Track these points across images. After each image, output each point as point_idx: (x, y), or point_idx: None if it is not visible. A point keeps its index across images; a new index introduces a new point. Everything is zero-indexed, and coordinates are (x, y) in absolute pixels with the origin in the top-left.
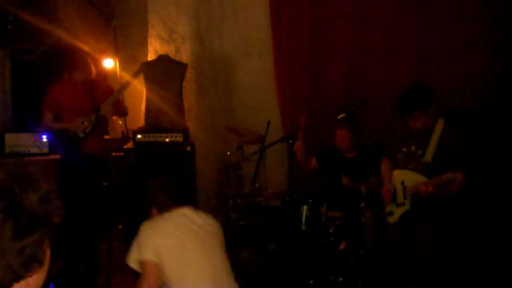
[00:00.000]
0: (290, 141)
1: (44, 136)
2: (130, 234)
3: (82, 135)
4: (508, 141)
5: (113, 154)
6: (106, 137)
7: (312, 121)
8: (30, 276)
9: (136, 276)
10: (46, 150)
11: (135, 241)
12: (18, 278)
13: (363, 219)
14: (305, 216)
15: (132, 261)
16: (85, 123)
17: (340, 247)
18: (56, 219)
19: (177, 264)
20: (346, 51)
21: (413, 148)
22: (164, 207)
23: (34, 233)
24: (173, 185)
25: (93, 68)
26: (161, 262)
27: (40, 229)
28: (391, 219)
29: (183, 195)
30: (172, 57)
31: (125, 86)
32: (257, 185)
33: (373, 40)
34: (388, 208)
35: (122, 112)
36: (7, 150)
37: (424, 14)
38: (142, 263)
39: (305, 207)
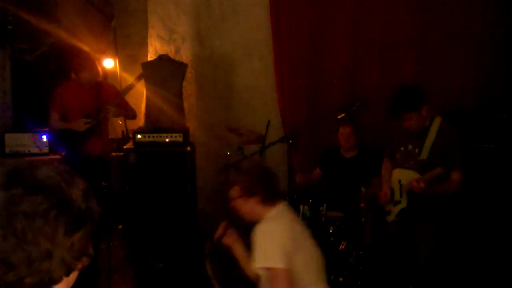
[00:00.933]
0: (290, 141)
1: (44, 136)
2: (130, 234)
3: (83, 134)
4: (508, 141)
5: (113, 154)
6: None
7: (312, 121)
8: (78, 270)
9: (136, 275)
10: (46, 150)
11: (257, 246)
12: (69, 272)
13: (363, 219)
14: (305, 216)
15: (259, 267)
16: (88, 123)
17: (340, 247)
18: (95, 214)
19: (304, 263)
20: (346, 51)
21: (410, 147)
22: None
23: (82, 228)
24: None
25: (100, 70)
26: (291, 267)
27: (86, 224)
28: (389, 218)
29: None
30: (172, 57)
31: (127, 89)
32: None
33: (373, 40)
34: (387, 207)
35: (129, 115)
36: (7, 150)
37: (424, 14)
38: (270, 271)
39: (305, 207)
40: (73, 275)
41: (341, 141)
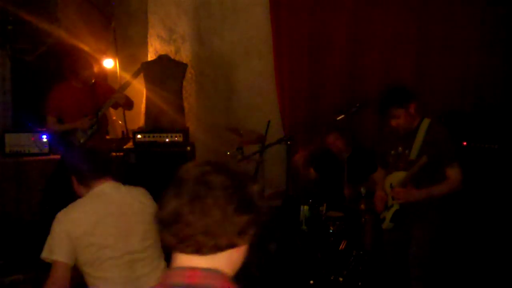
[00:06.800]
0: (289, 142)
1: (44, 136)
2: None
3: (89, 132)
4: (508, 141)
5: (113, 154)
6: (107, 137)
7: (312, 121)
8: (238, 246)
9: None
10: (46, 150)
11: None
12: (230, 245)
13: (363, 220)
14: (305, 216)
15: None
16: (91, 119)
17: (340, 247)
18: (262, 215)
19: (92, 258)
20: (346, 51)
21: (400, 149)
22: (85, 180)
23: (249, 214)
24: (98, 157)
25: (95, 66)
26: (73, 262)
27: (253, 213)
28: (385, 225)
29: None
30: (172, 57)
31: (125, 86)
32: None
33: (373, 40)
34: (382, 214)
35: (129, 104)
36: (7, 150)
37: (424, 14)
38: (53, 263)
39: (305, 207)
40: (238, 255)
41: (331, 148)
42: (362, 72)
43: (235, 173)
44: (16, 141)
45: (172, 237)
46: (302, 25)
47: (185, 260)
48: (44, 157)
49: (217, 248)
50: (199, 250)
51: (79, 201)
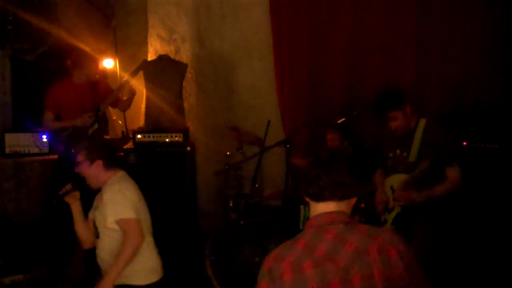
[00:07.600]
0: (288, 145)
1: (44, 136)
2: None
3: (90, 130)
4: (508, 141)
5: None
6: (106, 137)
7: (312, 122)
8: (353, 196)
9: None
10: (46, 150)
11: (109, 203)
12: (350, 195)
13: (363, 219)
14: (305, 216)
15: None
16: (91, 116)
17: None
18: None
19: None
20: (346, 51)
21: (398, 151)
22: (111, 164)
23: (359, 176)
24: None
25: (97, 69)
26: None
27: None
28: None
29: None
30: (172, 57)
31: (124, 85)
32: (257, 185)
33: (373, 40)
34: (383, 217)
35: (123, 106)
36: (7, 150)
37: (424, 14)
38: (123, 222)
39: (306, 207)
40: (353, 200)
41: (329, 146)
42: (362, 72)
43: (348, 153)
44: (16, 141)
45: (314, 189)
46: (302, 25)
47: (322, 207)
48: (44, 157)
49: (343, 196)
50: (332, 197)
51: (120, 178)
